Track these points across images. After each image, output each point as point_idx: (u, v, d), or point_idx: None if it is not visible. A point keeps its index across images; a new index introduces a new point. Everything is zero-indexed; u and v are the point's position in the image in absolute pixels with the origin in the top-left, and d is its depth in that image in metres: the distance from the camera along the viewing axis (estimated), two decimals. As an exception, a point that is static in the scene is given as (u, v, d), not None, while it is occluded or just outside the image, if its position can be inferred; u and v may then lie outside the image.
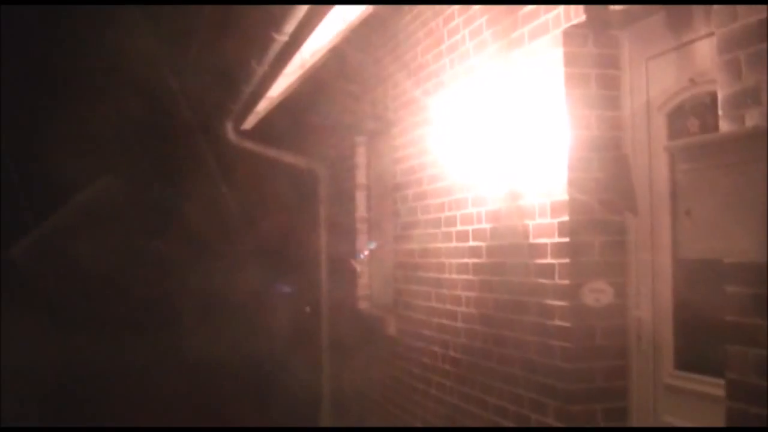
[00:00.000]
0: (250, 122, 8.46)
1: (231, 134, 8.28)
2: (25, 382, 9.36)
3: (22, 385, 9.30)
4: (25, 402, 9.12)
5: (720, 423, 2.87)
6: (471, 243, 4.79)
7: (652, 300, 3.70)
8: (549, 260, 3.92)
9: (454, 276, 5.03)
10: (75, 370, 9.70)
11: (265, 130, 8.96)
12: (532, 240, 4.07)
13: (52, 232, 12.39)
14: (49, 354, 9.77)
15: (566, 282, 3.79)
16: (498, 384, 4.48)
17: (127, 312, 11.15)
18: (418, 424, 5.70)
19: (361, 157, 7.31)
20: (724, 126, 2.77)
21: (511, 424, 4.33)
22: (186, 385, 9.49)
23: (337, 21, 5.60)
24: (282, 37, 5.35)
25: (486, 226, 4.61)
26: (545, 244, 3.95)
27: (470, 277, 4.82)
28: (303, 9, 4.93)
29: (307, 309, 8.82)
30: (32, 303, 10.79)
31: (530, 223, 4.09)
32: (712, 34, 2.97)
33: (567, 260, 3.79)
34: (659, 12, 3.57)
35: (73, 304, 11.29)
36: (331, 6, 5.02)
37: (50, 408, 9.02)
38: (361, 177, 7.30)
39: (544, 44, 3.93)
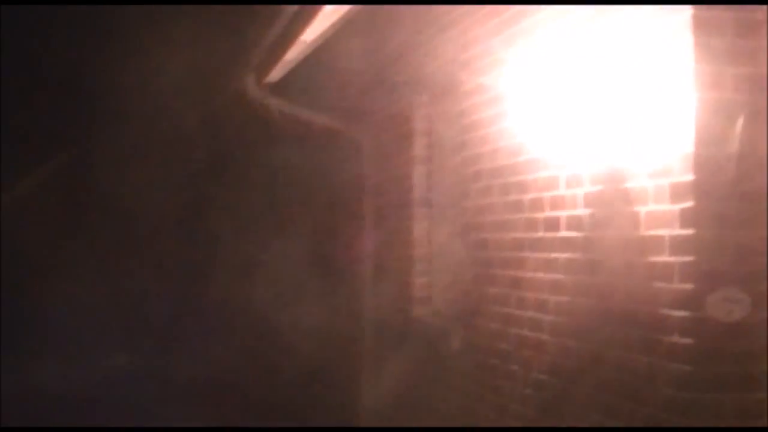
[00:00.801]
0: (275, 75, 8.55)
1: (252, 89, 8.36)
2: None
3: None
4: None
5: None
6: (562, 233, 4.81)
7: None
8: (666, 258, 3.93)
9: (540, 275, 5.05)
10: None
11: (295, 85, 9.06)
12: (644, 232, 4.08)
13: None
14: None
15: (689, 287, 3.81)
16: (595, 416, 4.50)
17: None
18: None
19: (419, 122, 7.31)
20: None
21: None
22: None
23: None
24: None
25: (583, 212, 4.62)
26: (662, 237, 3.96)
27: (560, 276, 4.83)
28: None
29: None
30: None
31: (642, 210, 4.10)
32: None
33: (691, 258, 3.80)
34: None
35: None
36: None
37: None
38: (419, 148, 7.31)
39: (665, -21, 3.92)
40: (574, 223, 4.71)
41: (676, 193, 3.88)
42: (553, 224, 4.92)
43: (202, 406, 10.36)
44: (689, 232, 3.80)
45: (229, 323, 12.65)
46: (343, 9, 7.09)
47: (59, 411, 9.94)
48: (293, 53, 7.91)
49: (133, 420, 9.57)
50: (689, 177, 3.80)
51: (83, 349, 12.91)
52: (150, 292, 14.72)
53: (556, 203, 4.88)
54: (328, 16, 7.14)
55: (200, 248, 13.88)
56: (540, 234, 5.06)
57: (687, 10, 3.81)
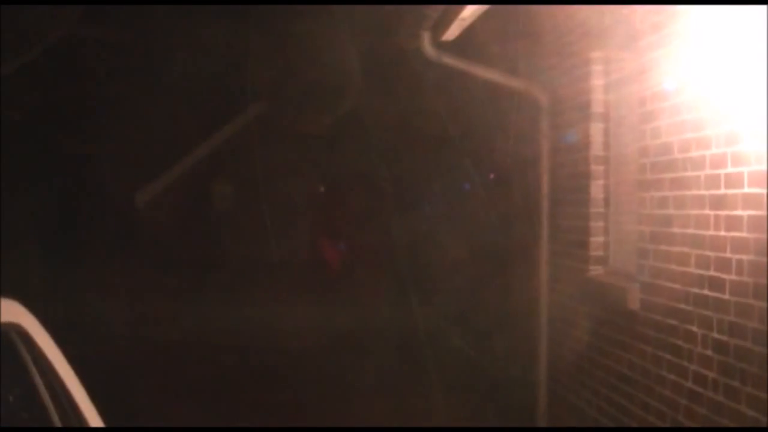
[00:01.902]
0: (452, 33, 8.52)
1: (428, 47, 8.36)
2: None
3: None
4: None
5: None
6: (746, 190, 4.65)
7: None
8: None
9: (722, 233, 4.90)
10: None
11: (470, 43, 9.02)
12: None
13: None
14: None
15: None
16: (779, 378, 4.36)
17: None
18: (662, 423, 5.64)
19: (597, 79, 7.22)
20: None
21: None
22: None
23: None
24: None
25: (768, 168, 4.46)
26: None
27: (744, 234, 4.68)
28: None
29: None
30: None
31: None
32: None
33: None
34: None
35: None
36: None
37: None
38: (596, 105, 7.22)
39: None
40: (758, 179, 4.54)
41: None
42: (736, 180, 4.76)
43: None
44: None
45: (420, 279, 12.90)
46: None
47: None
48: (469, 11, 7.86)
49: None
50: None
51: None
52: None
53: (739, 159, 4.72)
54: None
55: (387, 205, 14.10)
56: (722, 191, 4.91)
57: None
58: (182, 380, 10.65)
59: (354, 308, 13.53)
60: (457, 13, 7.62)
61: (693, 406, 5.28)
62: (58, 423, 3.21)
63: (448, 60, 8.46)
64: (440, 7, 7.57)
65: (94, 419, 3.61)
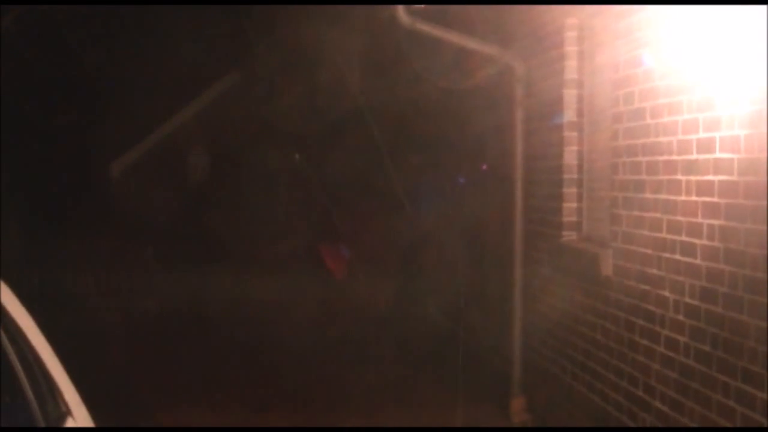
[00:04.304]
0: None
1: (402, 14, 8.30)
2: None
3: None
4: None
5: None
6: (718, 155, 4.66)
7: None
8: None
9: (694, 198, 4.91)
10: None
11: (445, 10, 8.99)
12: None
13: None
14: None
15: None
16: (750, 343, 4.38)
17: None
18: (639, 392, 5.68)
19: (570, 45, 7.20)
20: None
21: (766, 396, 4.23)
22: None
23: None
24: None
25: (739, 132, 4.46)
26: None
27: (715, 199, 4.69)
28: None
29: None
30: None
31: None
32: None
33: None
34: None
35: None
36: None
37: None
38: (570, 72, 7.20)
39: None
40: (729, 144, 4.55)
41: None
42: (707, 145, 4.77)
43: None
44: None
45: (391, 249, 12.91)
46: None
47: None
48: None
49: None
50: None
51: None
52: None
53: (711, 124, 4.73)
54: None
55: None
56: (694, 156, 4.92)
57: None
58: (158, 349, 10.65)
59: (327, 279, 13.57)
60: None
61: (665, 371, 5.32)
62: (29, 391, 3.18)
63: (422, 27, 8.41)
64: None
65: (66, 387, 3.59)
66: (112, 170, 16.88)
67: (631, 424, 5.80)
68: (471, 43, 8.53)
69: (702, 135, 4.83)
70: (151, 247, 14.92)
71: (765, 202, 4.24)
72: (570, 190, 7.20)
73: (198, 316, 12.37)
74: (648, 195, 5.52)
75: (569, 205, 7.20)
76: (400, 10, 8.27)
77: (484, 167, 9.29)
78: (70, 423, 3.30)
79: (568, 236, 7.21)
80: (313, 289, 13.09)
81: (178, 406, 8.50)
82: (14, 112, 13.62)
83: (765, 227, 4.23)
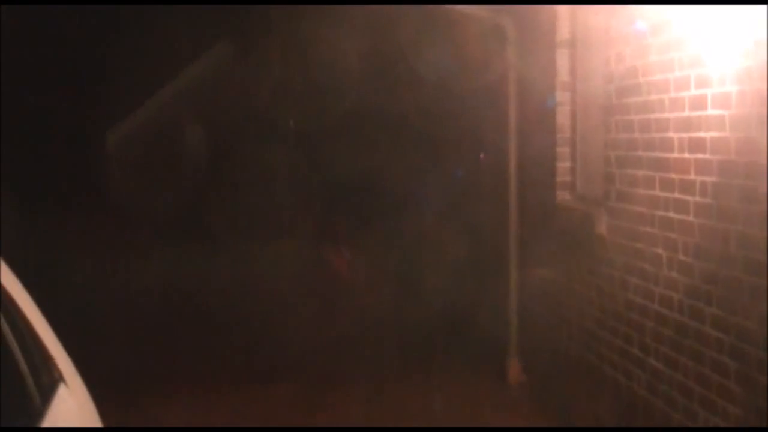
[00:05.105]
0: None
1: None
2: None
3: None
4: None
5: None
6: (710, 111, 4.64)
7: None
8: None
9: (686, 155, 4.90)
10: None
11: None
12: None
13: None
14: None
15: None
16: (744, 300, 4.38)
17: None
18: (634, 350, 5.68)
19: (562, 6, 7.14)
20: None
21: (759, 352, 4.24)
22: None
23: None
24: None
25: (731, 89, 4.44)
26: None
27: (707, 156, 4.68)
28: None
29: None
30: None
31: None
32: None
33: None
34: None
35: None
36: None
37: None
38: (563, 31, 7.16)
39: None
40: (721, 101, 4.53)
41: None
42: (699, 102, 4.74)
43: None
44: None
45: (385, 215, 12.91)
46: None
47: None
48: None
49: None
50: None
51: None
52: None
53: (702, 81, 4.70)
54: None
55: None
56: (686, 113, 4.90)
57: None
58: (152, 326, 10.60)
59: (327, 242, 13.55)
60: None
61: (660, 329, 5.32)
62: (23, 365, 3.16)
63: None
64: None
65: (60, 356, 3.58)
66: (107, 149, 16.83)
67: (626, 383, 5.81)
68: (462, 5, 8.47)
69: (694, 92, 4.80)
70: (148, 227, 14.90)
71: (757, 158, 4.22)
72: (563, 150, 7.19)
73: (192, 295, 12.31)
74: (641, 153, 5.50)
75: (563, 165, 7.19)
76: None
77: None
78: (63, 390, 3.29)
79: (562, 196, 7.20)
80: (312, 262, 13.06)
81: (177, 382, 8.48)
82: (4, 92, 13.55)
83: (757, 183, 4.22)
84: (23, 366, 3.20)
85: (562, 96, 7.15)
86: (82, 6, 13.71)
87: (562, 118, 7.17)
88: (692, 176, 4.85)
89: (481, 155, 9.15)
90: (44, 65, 15.21)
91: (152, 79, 15.83)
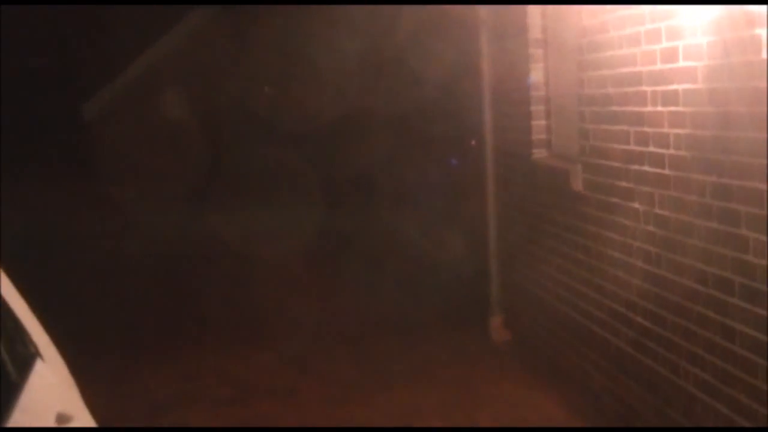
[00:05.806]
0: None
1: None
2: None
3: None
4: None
5: None
6: (681, 63, 4.61)
7: None
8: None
9: (659, 109, 4.88)
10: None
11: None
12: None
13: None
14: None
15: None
16: (720, 250, 4.38)
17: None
18: (617, 306, 5.68)
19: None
20: None
21: (737, 301, 4.25)
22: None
23: None
24: None
25: (702, 40, 4.41)
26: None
27: (681, 108, 4.66)
28: None
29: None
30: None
31: (764, 34, 3.88)
32: None
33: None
34: None
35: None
36: None
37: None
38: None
39: None
40: (693, 53, 4.50)
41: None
42: (671, 55, 4.72)
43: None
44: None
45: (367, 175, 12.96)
46: None
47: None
48: None
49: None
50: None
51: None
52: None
53: (673, 33, 4.67)
54: None
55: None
56: (658, 66, 4.87)
57: None
58: (142, 290, 10.63)
59: (311, 208, 13.53)
60: None
61: (642, 284, 5.32)
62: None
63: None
64: None
65: (34, 328, 3.55)
66: (90, 111, 16.71)
67: (615, 341, 5.79)
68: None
69: (665, 44, 4.78)
70: (131, 188, 14.84)
71: (729, 108, 4.21)
72: (538, 108, 7.16)
73: (179, 256, 12.34)
74: (615, 108, 5.48)
75: (538, 123, 7.16)
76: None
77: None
78: (39, 365, 3.27)
79: (539, 154, 7.18)
80: (307, 221, 13.02)
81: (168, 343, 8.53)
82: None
83: (730, 133, 4.21)
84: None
85: (534, 53, 7.11)
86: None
87: (536, 76, 7.13)
88: (666, 129, 4.84)
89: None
90: (25, 25, 15.12)
91: (131, 34, 15.72)
